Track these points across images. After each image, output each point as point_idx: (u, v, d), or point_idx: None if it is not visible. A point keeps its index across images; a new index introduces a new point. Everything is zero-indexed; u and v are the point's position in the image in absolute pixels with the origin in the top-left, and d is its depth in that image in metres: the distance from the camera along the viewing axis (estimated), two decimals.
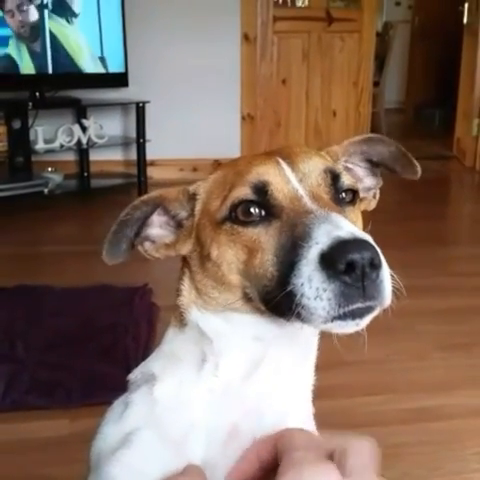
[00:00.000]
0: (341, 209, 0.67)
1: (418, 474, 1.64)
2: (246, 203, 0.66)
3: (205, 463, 0.65)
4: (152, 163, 4.56)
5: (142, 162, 4.37)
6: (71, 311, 2.48)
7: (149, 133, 4.33)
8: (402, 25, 7.47)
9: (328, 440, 0.58)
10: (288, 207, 0.64)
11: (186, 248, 0.72)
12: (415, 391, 2.02)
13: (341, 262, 0.55)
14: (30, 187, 3.87)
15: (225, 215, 0.67)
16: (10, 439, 1.77)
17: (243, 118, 4.87)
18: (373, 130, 5.30)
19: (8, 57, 3.90)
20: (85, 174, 4.42)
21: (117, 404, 0.73)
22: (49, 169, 4.12)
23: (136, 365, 0.76)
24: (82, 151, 4.37)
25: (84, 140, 4.13)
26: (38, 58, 3.97)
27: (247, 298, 0.66)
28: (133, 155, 4.45)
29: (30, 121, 3.99)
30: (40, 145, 3.99)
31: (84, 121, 4.16)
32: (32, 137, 4.00)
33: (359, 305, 0.57)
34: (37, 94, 3.98)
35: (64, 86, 4.14)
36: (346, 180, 0.70)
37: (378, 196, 0.83)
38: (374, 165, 0.81)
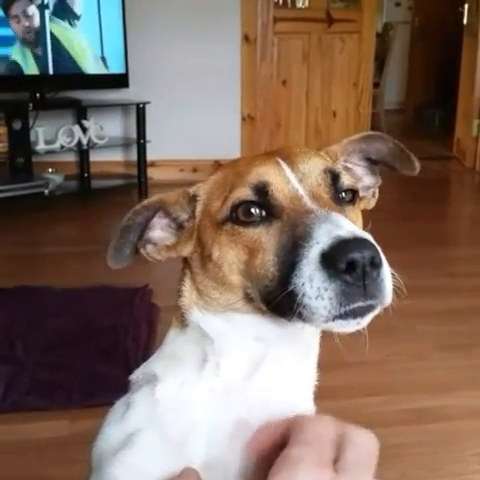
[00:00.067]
0: (341, 209, 0.67)
1: (418, 475, 1.63)
2: (247, 204, 0.66)
3: (207, 463, 0.65)
4: (152, 164, 4.56)
5: (142, 163, 4.37)
6: (71, 312, 2.48)
7: (149, 134, 4.33)
8: (402, 26, 7.48)
9: (341, 428, 0.57)
10: (288, 207, 0.64)
11: (187, 249, 0.72)
12: (415, 392, 2.02)
13: (342, 261, 0.55)
14: (30, 188, 3.87)
15: (226, 216, 0.67)
16: (10, 440, 1.77)
17: (243, 119, 4.87)
18: (373, 130, 5.29)
19: (12, 60, 3.91)
20: (85, 175, 4.41)
21: (119, 405, 0.73)
22: (49, 170, 4.11)
23: (136, 366, 0.76)
24: (82, 152, 4.36)
25: (84, 141, 4.13)
26: (39, 60, 3.97)
27: (248, 298, 0.67)
28: (133, 156, 4.45)
29: (30, 122, 3.99)
30: (40, 146, 3.99)
31: (84, 122, 4.15)
32: (32, 138, 3.99)
33: (360, 304, 0.57)
34: (37, 95, 3.98)
35: (64, 87, 4.14)
36: (346, 180, 0.70)
37: (377, 195, 0.83)
38: (373, 163, 0.81)
